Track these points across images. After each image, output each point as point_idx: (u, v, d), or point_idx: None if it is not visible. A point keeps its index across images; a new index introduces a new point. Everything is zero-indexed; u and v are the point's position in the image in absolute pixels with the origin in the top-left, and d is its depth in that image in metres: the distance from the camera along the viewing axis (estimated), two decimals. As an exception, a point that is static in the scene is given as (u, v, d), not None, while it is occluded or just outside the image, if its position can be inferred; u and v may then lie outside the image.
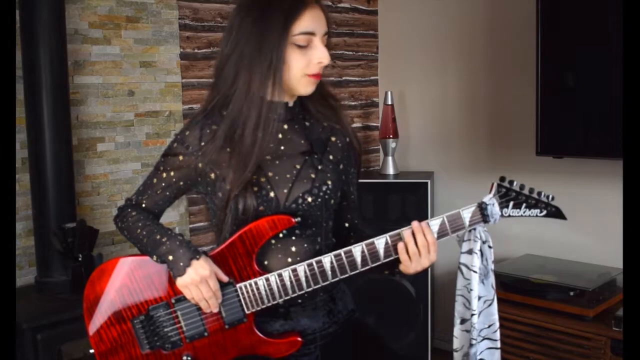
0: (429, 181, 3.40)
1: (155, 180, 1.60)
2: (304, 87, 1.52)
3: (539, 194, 1.51)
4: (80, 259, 2.51)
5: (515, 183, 1.51)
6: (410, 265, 1.49)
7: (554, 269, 3.05)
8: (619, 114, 2.58)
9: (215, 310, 1.50)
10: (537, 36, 2.93)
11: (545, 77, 2.93)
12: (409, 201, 3.48)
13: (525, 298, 2.88)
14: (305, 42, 1.47)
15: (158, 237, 1.52)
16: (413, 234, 1.48)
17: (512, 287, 2.93)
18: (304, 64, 1.48)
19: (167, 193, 1.60)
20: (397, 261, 1.51)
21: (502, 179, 1.51)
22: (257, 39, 1.46)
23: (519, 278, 2.95)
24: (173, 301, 1.53)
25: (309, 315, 1.57)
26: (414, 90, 3.81)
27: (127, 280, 1.54)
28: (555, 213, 1.52)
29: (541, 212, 1.51)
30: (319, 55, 1.48)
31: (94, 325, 1.56)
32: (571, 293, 2.81)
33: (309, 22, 1.46)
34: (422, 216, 3.35)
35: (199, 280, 1.46)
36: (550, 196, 1.52)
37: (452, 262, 1.61)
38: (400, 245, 1.48)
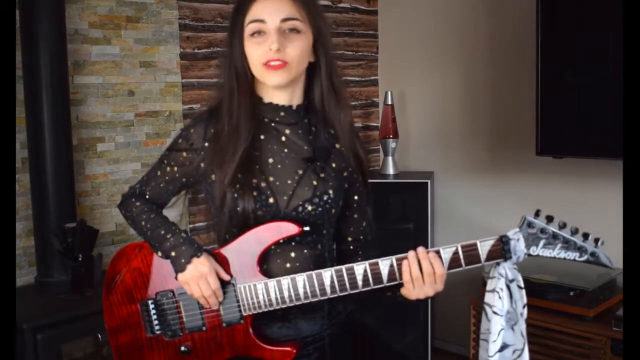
0: (429, 181, 3.40)
1: (159, 173, 1.61)
2: (267, 77, 1.48)
3: (586, 236, 1.30)
4: (80, 259, 2.51)
5: (554, 220, 1.29)
6: (413, 290, 1.41)
7: (554, 269, 3.05)
8: (619, 114, 2.58)
9: (215, 307, 1.51)
10: (537, 36, 2.93)
11: (545, 77, 2.93)
12: (409, 201, 3.48)
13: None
14: (256, 30, 1.46)
15: (162, 232, 1.54)
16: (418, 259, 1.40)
17: (512, 287, 2.93)
18: (260, 53, 1.46)
19: (170, 187, 1.62)
20: (401, 284, 1.45)
21: (538, 213, 1.30)
22: (225, 37, 1.53)
23: (519, 278, 2.95)
24: (178, 291, 1.54)
25: (308, 317, 1.55)
26: (414, 90, 3.81)
27: (140, 264, 1.58)
28: (601, 261, 1.30)
29: (581, 256, 1.30)
30: (268, 41, 1.45)
31: (108, 301, 1.60)
32: (571, 293, 2.81)
33: (259, 10, 1.47)
34: (422, 216, 3.40)
35: (199, 277, 1.47)
36: (601, 241, 1.32)
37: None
38: (405, 264, 1.40)
